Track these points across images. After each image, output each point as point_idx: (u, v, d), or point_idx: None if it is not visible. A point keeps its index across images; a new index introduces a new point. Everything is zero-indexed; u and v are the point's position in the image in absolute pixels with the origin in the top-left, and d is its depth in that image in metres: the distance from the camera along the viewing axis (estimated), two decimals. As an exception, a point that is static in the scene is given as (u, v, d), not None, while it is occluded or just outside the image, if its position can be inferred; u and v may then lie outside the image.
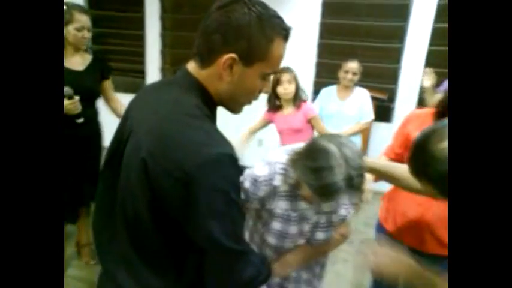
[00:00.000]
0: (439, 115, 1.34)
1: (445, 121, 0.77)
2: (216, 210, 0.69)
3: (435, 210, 1.38)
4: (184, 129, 0.70)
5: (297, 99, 2.39)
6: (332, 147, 0.89)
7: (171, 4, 4.13)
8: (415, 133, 1.35)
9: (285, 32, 0.75)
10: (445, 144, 0.73)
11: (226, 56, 0.71)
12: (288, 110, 2.42)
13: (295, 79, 2.35)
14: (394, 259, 0.95)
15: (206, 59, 0.75)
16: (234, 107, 0.83)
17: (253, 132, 2.56)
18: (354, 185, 0.89)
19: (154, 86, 0.87)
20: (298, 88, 2.38)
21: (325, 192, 0.89)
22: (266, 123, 2.55)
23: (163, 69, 4.30)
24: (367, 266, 0.96)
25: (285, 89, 2.32)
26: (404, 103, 3.54)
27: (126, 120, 0.81)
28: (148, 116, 0.75)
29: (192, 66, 0.78)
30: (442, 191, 0.77)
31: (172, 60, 4.30)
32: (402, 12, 3.40)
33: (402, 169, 1.20)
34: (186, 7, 4.09)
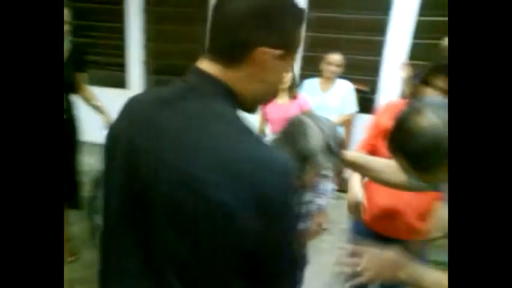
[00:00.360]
0: None
1: (424, 99, 0.80)
2: (293, 229, 0.65)
3: (406, 199, 1.44)
4: (251, 149, 0.58)
5: (292, 88, 2.37)
6: (307, 119, 0.96)
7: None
8: (389, 124, 1.38)
9: (303, 17, 0.68)
10: (422, 121, 0.76)
11: (262, 50, 0.61)
12: (283, 99, 2.39)
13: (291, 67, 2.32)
14: (387, 262, 0.94)
15: (234, 57, 0.62)
16: (256, 107, 0.72)
17: (263, 130, 2.55)
18: (332, 149, 0.94)
19: (163, 98, 0.67)
20: (294, 77, 2.36)
21: (303, 158, 0.92)
22: (265, 115, 2.52)
23: (147, 63, 4.23)
24: (359, 277, 0.94)
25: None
26: (387, 95, 3.56)
27: (131, 149, 0.64)
28: (188, 141, 0.59)
29: (210, 66, 0.64)
30: (417, 168, 0.81)
31: (155, 54, 4.23)
32: (385, 5, 3.41)
33: (379, 162, 1.23)
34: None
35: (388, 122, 1.49)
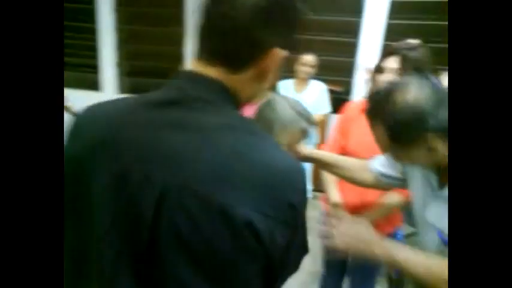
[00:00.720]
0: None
1: (408, 76, 0.84)
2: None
3: (374, 197, 1.48)
4: (275, 160, 0.53)
5: (273, 90, 2.39)
6: (273, 97, 1.03)
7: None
8: (355, 122, 1.42)
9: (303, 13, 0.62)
10: (407, 93, 0.79)
11: (275, 52, 0.55)
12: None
13: None
14: (361, 233, 0.94)
15: (245, 60, 0.55)
16: (242, 108, 0.67)
17: None
18: (302, 113, 1.01)
19: (155, 110, 0.54)
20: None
21: (267, 126, 0.97)
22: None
23: (121, 65, 4.14)
24: (332, 244, 0.94)
25: None
26: (361, 96, 3.63)
27: (125, 178, 0.51)
28: (207, 161, 0.49)
29: (210, 70, 0.56)
30: (396, 141, 0.84)
31: (129, 55, 4.14)
32: (356, 8, 3.47)
33: (349, 161, 1.26)
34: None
35: (354, 121, 1.55)
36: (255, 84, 0.59)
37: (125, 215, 0.51)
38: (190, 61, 0.61)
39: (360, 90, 3.64)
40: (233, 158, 0.50)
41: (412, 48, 1.32)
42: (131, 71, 4.17)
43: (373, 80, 1.43)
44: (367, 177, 1.22)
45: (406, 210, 1.47)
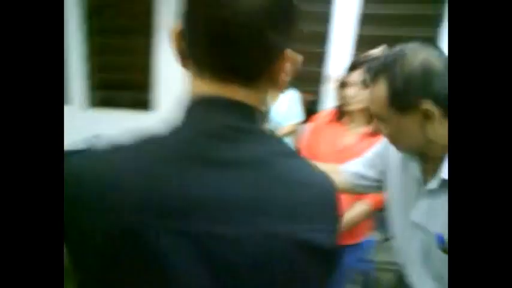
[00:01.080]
0: (339, 114, 1.57)
1: (420, 43, 0.85)
2: None
3: (348, 201, 1.48)
4: (320, 178, 0.56)
5: None
6: None
7: (94, 7, 3.89)
8: (325, 131, 1.44)
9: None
10: (417, 55, 0.80)
11: (286, 54, 0.52)
12: None
13: None
14: None
15: (260, 71, 0.50)
16: None
17: None
18: None
19: (196, 154, 0.47)
20: None
21: None
22: None
23: (89, 78, 4.02)
24: None
25: None
26: (331, 105, 3.68)
27: (192, 236, 0.45)
28: (271, 198, 0.48)
29: (228, 90, 0.50)
30: (394, 101, 0.84)
31: (97, 67, 4.04)
32: (325, 17, 3.54)
33: (324, 166, 1.26)
34: (110, 10, 3.88)
35: (323, 130, 1.57)
36: (269, 93, 0.56)
37: (209, 274, 0.46)
38: (193, 81, 0.52)
39: (330, 100, 3.71)
40: (294, 188, 0.50)
41: (375, 59, 1.37)
42: (100, 84, 4.06)
43: (339, 93, 1.48)
44: (341, 180, 1.20)
45: (379, 216, 1.48)
